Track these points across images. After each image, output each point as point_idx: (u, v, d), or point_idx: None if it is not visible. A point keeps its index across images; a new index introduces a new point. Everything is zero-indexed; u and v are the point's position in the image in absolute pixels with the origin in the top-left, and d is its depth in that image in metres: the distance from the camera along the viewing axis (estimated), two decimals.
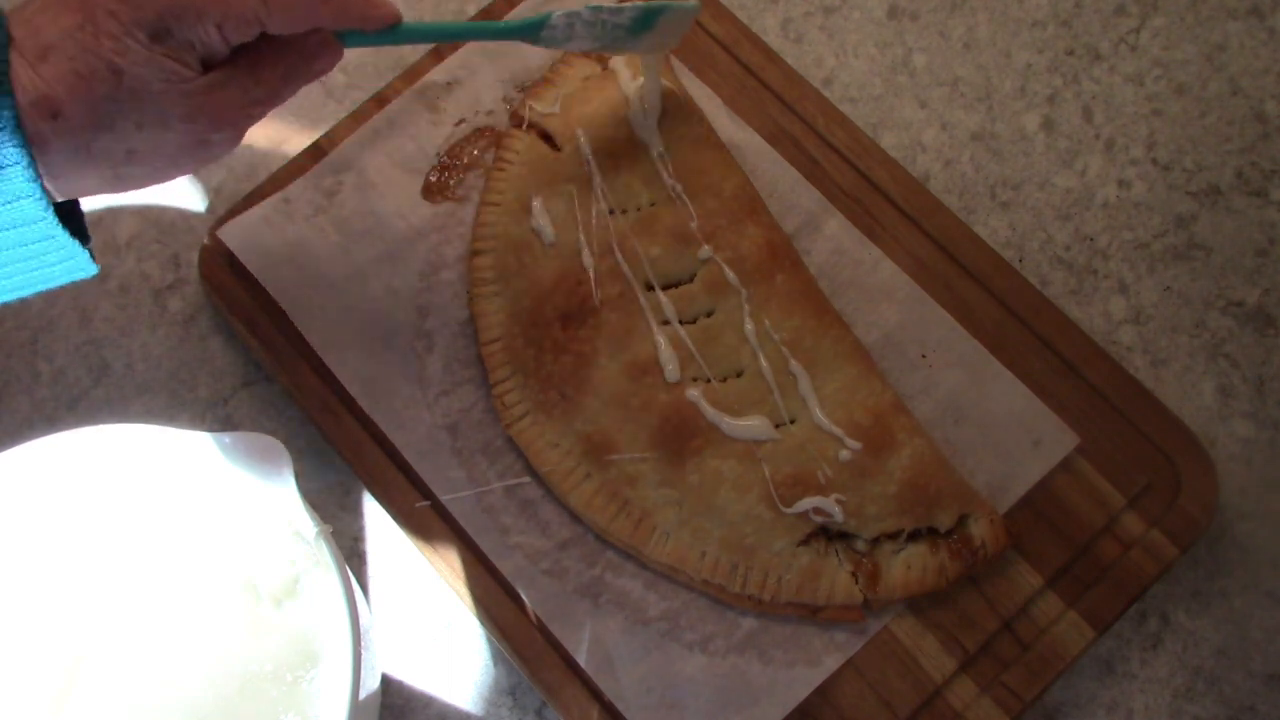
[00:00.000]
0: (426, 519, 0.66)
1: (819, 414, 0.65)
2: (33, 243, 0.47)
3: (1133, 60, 0.78)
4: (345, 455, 0.67)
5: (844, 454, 0.64)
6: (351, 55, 0.79)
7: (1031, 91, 0.78)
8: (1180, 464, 0.66)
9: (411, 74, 0.75)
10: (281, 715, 0.56)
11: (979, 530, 0.63)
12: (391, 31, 0.54)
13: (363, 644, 0.54)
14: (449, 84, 0.74)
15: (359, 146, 0.72)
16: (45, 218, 0.46)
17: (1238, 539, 0.68)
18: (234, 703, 0.56)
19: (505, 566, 0.65)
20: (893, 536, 0.64)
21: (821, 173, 0.72)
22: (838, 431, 0.65)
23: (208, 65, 0.49)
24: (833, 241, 0.71)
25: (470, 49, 0.75)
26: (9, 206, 0.45)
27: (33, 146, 0.45)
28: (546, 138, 0.72)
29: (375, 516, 0.69)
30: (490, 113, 0.74)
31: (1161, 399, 0.68)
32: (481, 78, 0.74)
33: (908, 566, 0.63)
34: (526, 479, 0.67)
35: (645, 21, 0.61)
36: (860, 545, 0.64)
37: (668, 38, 0.65)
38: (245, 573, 0.58)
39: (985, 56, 0.79)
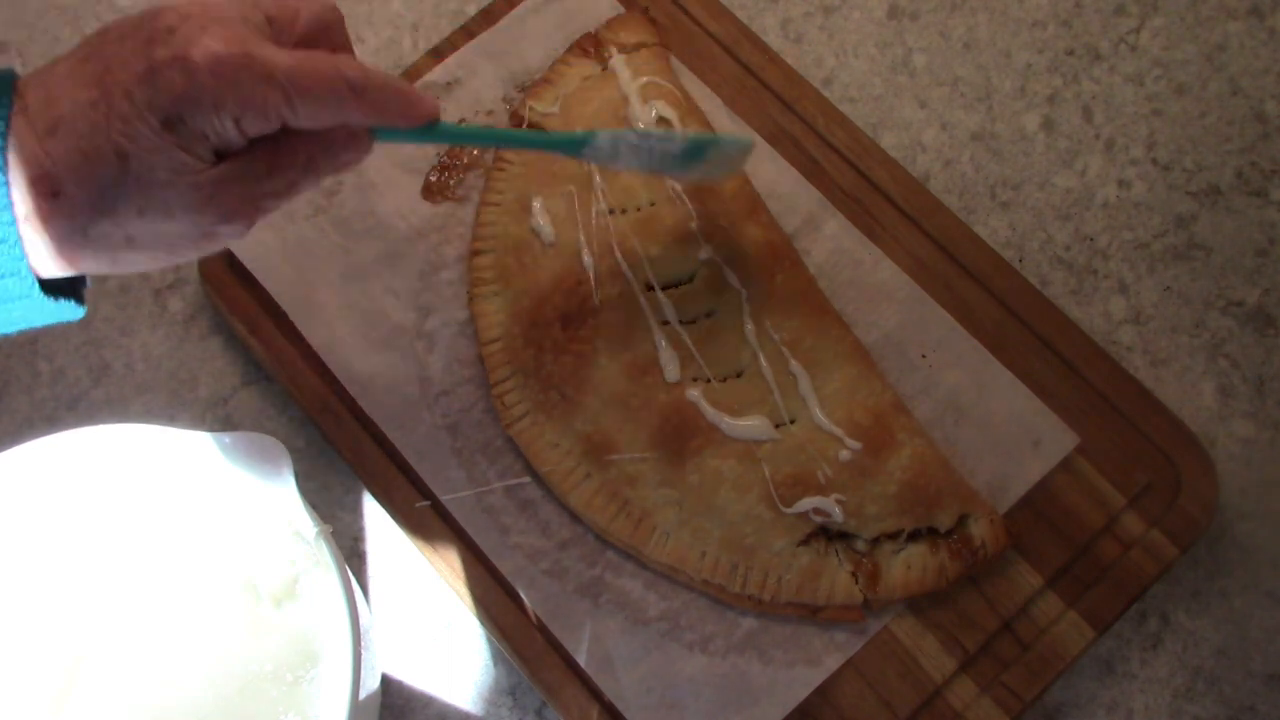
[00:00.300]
0: (426, 519, 0.66)
1: (819, 414, 0.65)
2: (15, 309, 0.45)
3: (1133, 60, 0.78)
4: (345, 455, 0.67)
5: (844, 454, 0.64)
6: None
7: (1031, 91, 0.78)
8: (1180, 464, 0.66)
9: (411, 74, 0.75)
10: (281, 715, 0.56)
11: (979, 530, 0.63)
12: (429, 130, 0.50)
13: (363, 644, 0.54)
14: (449, 84, 0.74)
15: None
16: (30, 295, 0.44)
17: (1238, 539, 0.68)
18: (234, 703, 0.56)
19: (505, 566, 0.65)
20: (893, 536, 0.64)
21: (821, 173, 0.72)
22: (838, 431, 0.65)
23: (222, 155, 0.46)
24: (833, 241, 0.71)
25: (470, 49, 0.75)
26: None
27: (28, 224, 0.43)
28: None
29: (375, 516, 0.69)
30: (490, 113, 0.74)
31: (1161, 399, 0.68)
32: (481, 78, 0.74)
33: (908, 566, 0.63)
34: (526, 479, 0.67)
35: (696, 153, 0.58)
36: (860, 545, 0.64)
37: (719, 170, 0.62)
38: (245, 573, 0.58)
39: (985, 56, 0.79)
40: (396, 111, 0.48)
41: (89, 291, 0.50)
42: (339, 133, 0.48)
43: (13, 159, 0.43)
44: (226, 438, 0.56)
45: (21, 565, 0.58)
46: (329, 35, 0.50)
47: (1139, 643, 0.67)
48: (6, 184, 0.42)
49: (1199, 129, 0.77)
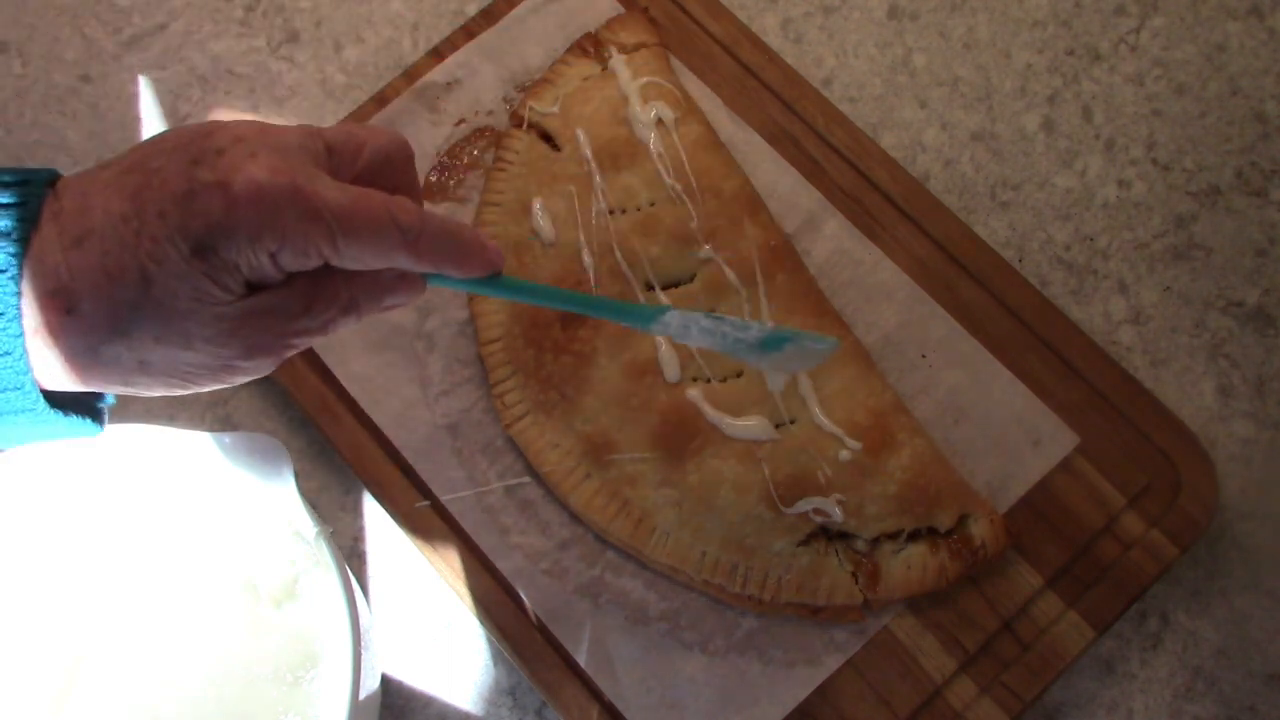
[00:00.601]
0: (426, 519, 0.66)
1: (819, 414, 0.65)
2: (21, 423, 0.43)
3: (1133, 60, 0.78)
4: (345, 455, 0.67)
5: (844, 454, 0.64)
6: (351, 55, 0.79)
7: (1031, 91, 0.78)
8: (1180, 464, 0.66)
9: (411, 74, 0.75)
10: (281, 715, 0.56)
11: (979, 530, 0.63)
12: (490, 282, 0.46)
13: (363, 644, 0.54)
14: (449, 84, 0.74)
15: None
16: (35, 409, 0.42)
17: (1238, 539, 0.68)
18: (234, 703, 0.57)
19: (505, 566, 0.65)
20: (893, 536, 0.64)
21: (821, 173, 0.72)
22: (838, 431, 0.65)
23: (256, 287, 0.42)
24: (833, 241, 0.71)
25: (470, 49, 0.75)
26: None
27: (37, 337, 0.41)
28: (546, 138, 0.72)
29: (375, 516, 0.69)
30: (490, 113, 0.74)
31: (1161, 399, 0.68)
32: (481, 78, 0.74)
33: (908, 566, 0.63)
34: (526, 479, 0.67)
35: (773, 344, 0.55)
36: (860, 545, 0.64)
37: (795, 364, 0.58)
38: (245, 573, 0.58)
39: (985, 56, 0.79)
40: (452, 263, 0.44)
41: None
42: (387, 273, 0.44)
43: (31, 268, 0.40)
44: (226, 438, 0.56)
45: (22, 565, 0.58)
46: (393, 171, 0.46)
47: (1139, 643, 0.67)
48: (18, 294, 0.40)
49: (1199, 129, 0.77)
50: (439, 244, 0.44)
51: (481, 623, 0.65)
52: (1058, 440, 0.67)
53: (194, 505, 0.59)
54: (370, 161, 0.45)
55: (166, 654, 0.57)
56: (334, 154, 0.44)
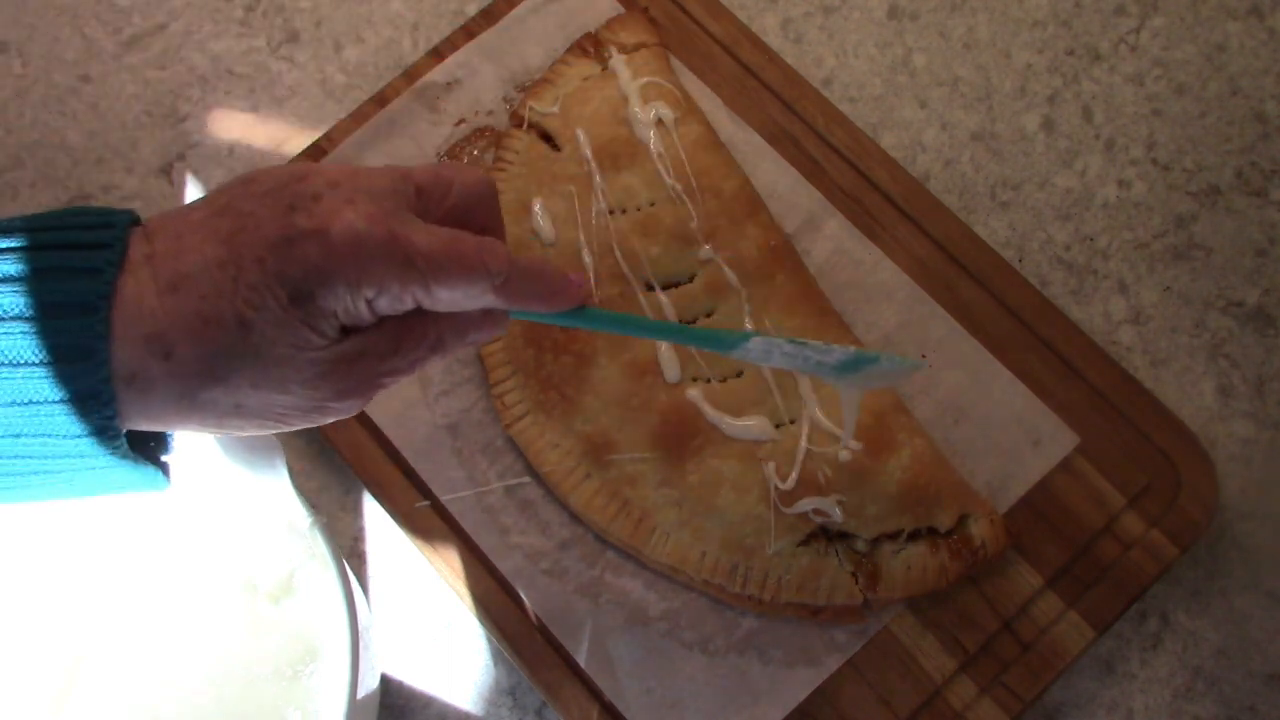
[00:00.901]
0: (426, 519, 0.66)
1: (819, 414, 0.65)
2: (100, 471, 0.42)
3: (1133, 60, 0.78)
4: (345, 455, 0.67)
5: (844, 454, 0.64)
6: (351, 55, 0.79)
7: (1031, 91, 0.78)
8: (1180, 464, 0.66)
9: (411, 74, 0.75)
10: (282, 709, 0.56)
11: (979, 530, 0.63)
12: (574, 314, 0.47)
13: (361, 636, 0.54)
14: (449, 84, 0.74)
15: (359, 146, 0.72)
16: (114, 454, 0.41)
17: (1238, 539, 0.68)
18: (234, 701, 0.56)
19: (505, 566, 0.65)
20: (893, 537, 0.64)
21: (821, 173, 0.72)
22: (838, 431, 0.65)
23: (348, 330, 0.42)
24: (833, 241, 0.71)
25: (470, 49, 0.75)
26: (77, 440, 0.40)
27: (133, 384, 0.39)
28: (546, 138, 0.72)
29: (375, 516, 0.69)
30: (490, 113, 0.74)
31: (1161, 399, 0.68)
32: (481, 78, 0.74)
33: (908, 566, 0.63)
34: (526, 479, 0.67)
35: (853, 366, 0.55)
36: (860, 545, 0.64)
37: (878, 383, 0.59)
38: (243, 570, 0.58)
39: (985, 56, 0.79)
40: (540, 300, 0.45)
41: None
42: (474, 311, 0.45)
43: (123, 312, 0.39)
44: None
45: (19, 566, 0.58)
46: (480, 210, 0.46)
47: (1139, 643, 0.67)
48: (107, 337, 0.39)
49: (1199, 129, 0.77)
50: (526, 285, 0.44)
51: (481, 623, 0.65)
52: (1058, 440, 0.67)
53: (190, 503, 0.59)
54: (458, 201, 0.45)
55: (165, 653, 0.57)
56: (423, 195, 0.44)
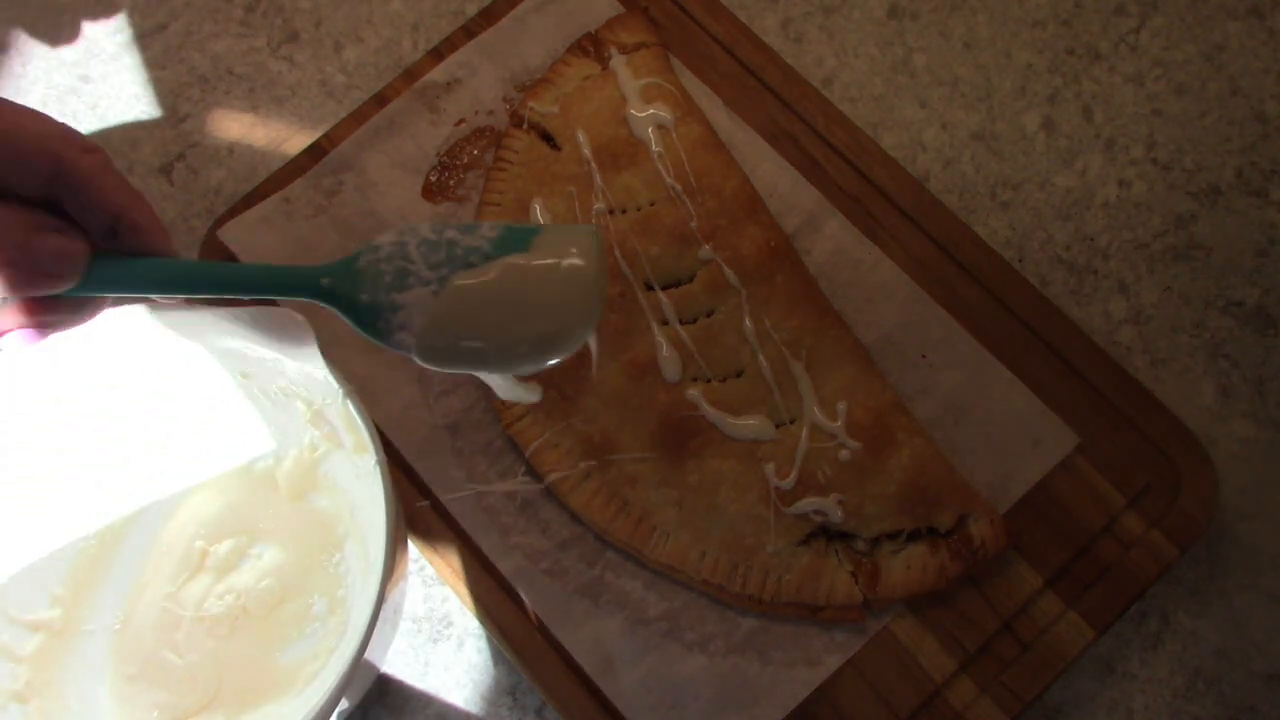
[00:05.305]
0: (426, 519, 0.66)
1: (819, 414, 0.65)
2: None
3: (1133, 60, 0.78)
4: None
5: (844, 454, 0.64)
6: (351, 55, 0.79)
7: (1031, 91, 0.78)
8: (1180, 464, 0.66)
9: (411, 74, 0.75)
10: (308, 597, 0.56)
11: (979, 530, 0.63)
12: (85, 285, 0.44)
13: (399, 515, 0.53)
14: (449, 84, 0.74)
15: (359, 146, 0.72)
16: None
17: (1238, 539, 0.68)
18: (268, 598, 0.59)
19: (505, 566, 0.65)
20: (893, 536, 0.64)
21: (821, 173, 0.72)
22: (838, 431, 0.65)
23: None
24: (833, 241, 0.71)
25: (470, 49, 0.75)
26: None
27: None
28: (546, 138, 0.72)
29: None
30: (490, 113, 0.74)
31: (1161, 399, 0.68)
32: (481, 78, 0.74)
33: (908, 566, 0.63)
34: (526, 479, 0.67)
35: (514, 243, 0.46)
36: (860, 545, 0.64)
37: (554, 254, 0.47)
38: (266, 465, 0.60)
39: (985, 56, 0.79)
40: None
41: None
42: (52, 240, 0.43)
43: None
44: (246, 314, 0.54)
45: (45, 443, 0.59)
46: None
47: (1139, 643, 0.67)
48: None
49: (1199, 129, 0.77)
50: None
51: (481, 623, 0.65)
52: (1058, 440, 0.67)
53: (209, 392, 0.60)
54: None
55: (188, 550, 0.60)
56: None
